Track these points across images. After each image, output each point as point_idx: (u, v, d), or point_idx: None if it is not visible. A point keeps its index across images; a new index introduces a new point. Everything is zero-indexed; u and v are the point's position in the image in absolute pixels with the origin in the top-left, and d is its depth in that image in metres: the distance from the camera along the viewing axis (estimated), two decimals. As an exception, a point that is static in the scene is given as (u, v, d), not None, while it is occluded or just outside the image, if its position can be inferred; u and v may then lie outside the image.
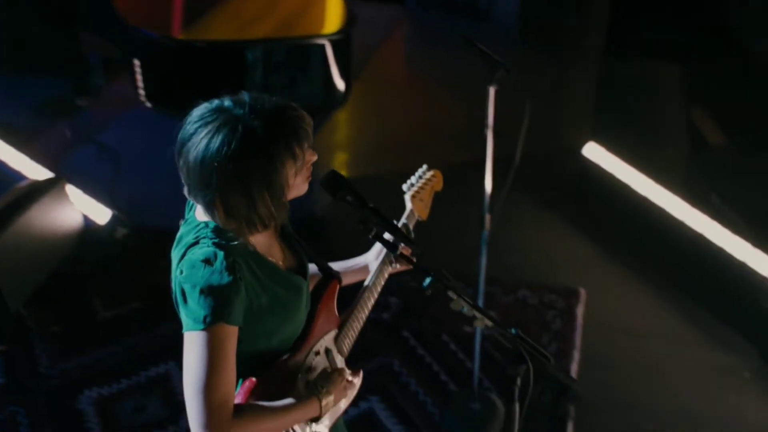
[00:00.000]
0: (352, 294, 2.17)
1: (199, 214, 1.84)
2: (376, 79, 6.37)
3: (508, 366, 2.14)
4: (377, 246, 2.18)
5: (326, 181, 1.93)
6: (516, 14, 7.21)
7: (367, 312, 2.14)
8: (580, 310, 4.28)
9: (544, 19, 7.02)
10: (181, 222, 1.93)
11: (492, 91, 3.11)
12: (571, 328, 4.18)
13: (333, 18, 4.60)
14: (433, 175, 2.36)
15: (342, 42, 4.32)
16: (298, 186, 1.80)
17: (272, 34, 4.54)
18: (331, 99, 4.42)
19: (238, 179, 1.69)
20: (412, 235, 2.20)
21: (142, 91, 4.40)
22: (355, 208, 1.95)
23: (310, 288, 2.03)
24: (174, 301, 1.79)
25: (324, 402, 1.91)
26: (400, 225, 2.16)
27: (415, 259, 2.05)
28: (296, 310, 1.92)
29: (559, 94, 6.38)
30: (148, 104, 4.46)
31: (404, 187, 2.31)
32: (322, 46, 4.28)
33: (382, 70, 6.69)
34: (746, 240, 4.28)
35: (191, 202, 1.89)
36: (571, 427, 3.62)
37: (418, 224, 2.30)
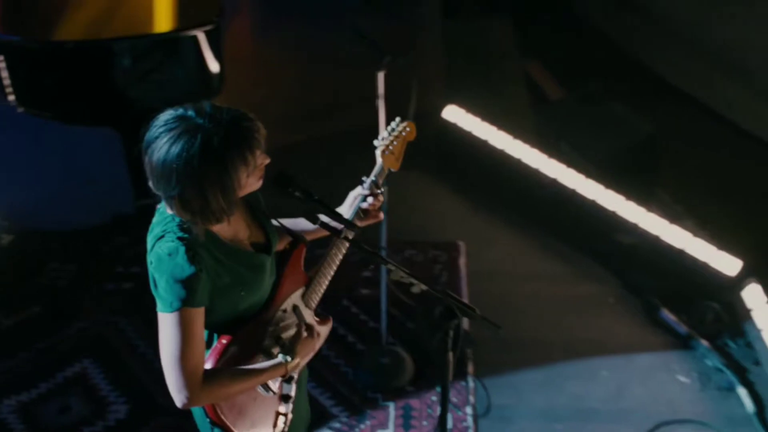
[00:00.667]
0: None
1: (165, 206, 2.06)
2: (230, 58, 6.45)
3: (442, 320, 2.48)
4: (349, 198, 2.43)
5: (276, 180, 2.18)
6: (358, -18, 7.36)
7: (334, 267, 2.39)
8: (462, 261, 4.72)
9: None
10: (157, 207, 2.12)
11: (381, 75, 3.41)
12: (456, 278, 4.61)
13: (193, 8, 4.67)
14: (405, 127, 2.57)
15: (214, 32, 4.43)
16: (251, 185, 2.04)
17: (133, 29, 4.58)
18: (209, 88, 4.52)
19: (194, 181, 1.91)
20: (382, 189, 2.43)
21: (11, 96, 4.33)
22: (303, 202, 2.22)
23: (284, 247, 2.31)
24: (150, 282, 2.04)
25: (290, 367, 2.19)
26: (369, 181, 2.40)
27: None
28: (259, 283, 2.17)
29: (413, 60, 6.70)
30: (21, 109, 4.39)
31: (375, 142, 2.50)
32: (195, 38, 4.38)
33: (236, 48, 6.76)
34: (596, 181, 4.82)
35: None
36: (470, 367, 4.05)
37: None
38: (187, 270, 1.95)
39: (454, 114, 5.48)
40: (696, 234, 4.38)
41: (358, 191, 2.40)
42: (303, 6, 5.87)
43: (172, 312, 1.98)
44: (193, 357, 2.00)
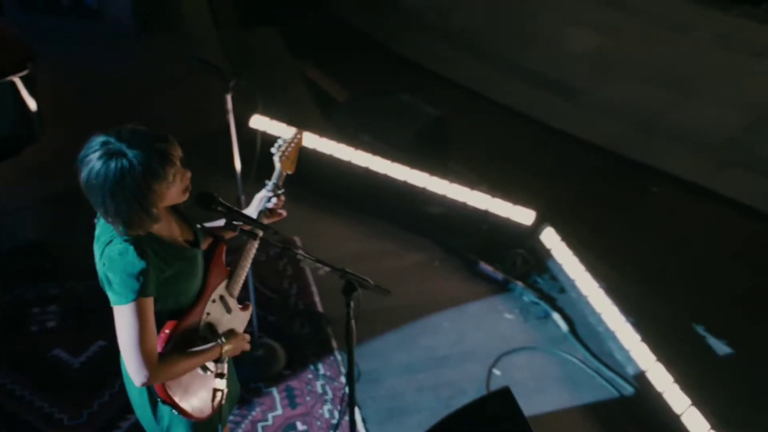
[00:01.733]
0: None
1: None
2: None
3: (343, 294, 2.97)
4: (255, 201, 2.88)
5: (197, 200, 2.60)
6: (130, 9, 7.53)
7: (250, 260, 2.83)
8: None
9: (161, 8, 7.48)
10: (95, 221, 2.50)
11: (229, 98, 3.81)
12: (300, 269, 5.10)
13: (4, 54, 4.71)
14: (296, 134, 3.02)
15: (29, 77, 4.55)
16: (174, 196, 2.44)
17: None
18: (30, 131, 4.64)
19: (114, 196, 2.30)
20: (282, 190, 2.90)
21: None
22: (226, 215, 2.66)
23: (207, 246, 2.74)
24: (101, 284, 2.43)
25: (224, 349, 2.63)
26: (271, 184, 2.88)
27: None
28: (194, 274, 2.59)
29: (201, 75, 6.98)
30: None
31: (272, 149, 2.94)
32: (12, 83, 4.47)
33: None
34: (401, 164, 5.48)
35: None
36: (334, 343, 4.57)
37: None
38: (138, 265, 2.34)
39: (260, 122, 5.89)
40: (493, 195, 5.17)
41: (263, 194, 2.88)
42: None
43: (128, 303, 2.36)
44: (149, 341, 2.40)
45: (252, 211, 2.88)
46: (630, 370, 4.27)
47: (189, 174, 2.47)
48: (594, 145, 7.02)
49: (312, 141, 5.74)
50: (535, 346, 4.53)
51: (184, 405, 2.61)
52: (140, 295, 2.36)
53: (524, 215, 5.03)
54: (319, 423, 4.12)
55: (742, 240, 5.64)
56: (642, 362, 4.16)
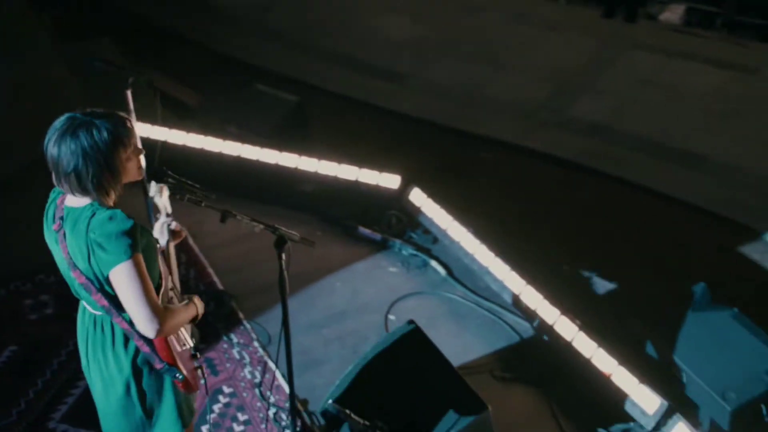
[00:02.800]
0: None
1: (70, 201, 2.75)
2: None
3: (275, 247, 3.42)
4: (157, 228, 3.25)
5: (153, 174, 2.99)
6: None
7: (175, 259, 3.29)
8: (191, 242, 5.53)
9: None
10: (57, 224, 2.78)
11: (129, 93, 4.12)
12: (194, 254, 5.43)
13: None
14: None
15: None
16: (131, 171, 2.80)
17: None
18: None
19: (87, 159, 2.64)
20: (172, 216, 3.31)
21: None
22: (176, 186, 3.07)
23: None
24: (87, 258, 2.68)
25: (198, 307, 3.06)
26: (163, 213, 3.25)
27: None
28: (156, 257, 2.91)
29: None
30: None
31: (151, 193, 3.18)
32: None
33: None
34: (271, 148, 5.90)
35: (54, 198, 2.83)
36: (241, 314, 4.95)
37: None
38: (128, 223, 2.68)
39: (143, 130, 6.10)
40: (361, 167, 5.72)
41: (162, 221, 3.24)
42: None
43: (127, 260, 2.64)
44: (151, 292, 2.71)
45: (157, 234, 3.26)
46: (506, 297, 4.97)
47: (143, 151, 2.84)
48: (428, 121, 7.75)
49: (180, 137, 6.03)
50: (421, 291, 5.14)
51: (185, 372, 2.96)
52: (135, 250, 2.66)
53: (391, 180, 5.62)
54: (242, 384, 4.51)
55: (559, 186, 6.53)
56: (515, 287, 4.86)
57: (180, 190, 3.12)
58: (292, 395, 3.84)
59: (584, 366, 4.33)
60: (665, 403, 4.06)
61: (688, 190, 6.63)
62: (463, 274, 5.26)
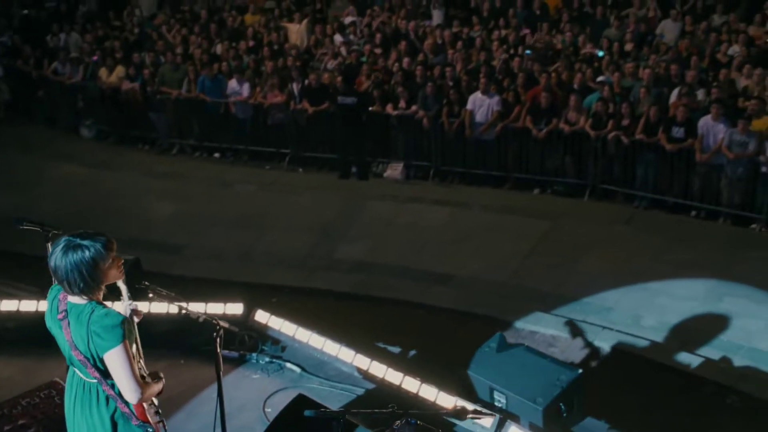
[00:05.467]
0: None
1: (72, 299, 3.76)
2: None
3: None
4: (123, 308, 4.09)
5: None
6: None
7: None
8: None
9: None
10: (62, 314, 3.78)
11: (49, 245, 5.00)
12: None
13: None
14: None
15: None
16: (113, 276, 3.85)
17: None
18: None
19: (77, 270, 3.67)
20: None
21: None
22: (149, 286, 4.13)
23: None
24: (86, 343, 3.67)
25: (163, 383, 4.04)
26: (127, 298, 4.11)
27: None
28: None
29: None
30: None
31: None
32: None
33: None
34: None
35: (56, 294, 3.83)
36: None
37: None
38: (120, 317, 3.73)
39: None
40: (206, 301, 6.77)
41: (127, 304, 4.13)
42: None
43: (119, 345, 3.65)
44: (135, 369, 3.74)
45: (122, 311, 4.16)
46: (356, 374, 6.26)
47: (122, 261, 3.89)
48: (206, 279, 8.90)
49: None
50: (285, 387, 6.25)
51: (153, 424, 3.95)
52: (124, 338, 3.67)
53: (235, 308, 6.74)
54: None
55: (341, 313, 7.94)
56: (361, 364, 6.19)
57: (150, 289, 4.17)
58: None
59: (430, 407, 5.70)
60: (497, 416, 5.56)
61: (444, 300, 8.48)
62: (315, 367, 6.47)
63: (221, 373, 4.56)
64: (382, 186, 11.45)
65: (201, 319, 4.53)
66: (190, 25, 14.96)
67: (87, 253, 3.66)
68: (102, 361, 3.71)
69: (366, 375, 6.20)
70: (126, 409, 3.85)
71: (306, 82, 11.95)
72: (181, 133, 13.06)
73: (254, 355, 6.59)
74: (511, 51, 12.34)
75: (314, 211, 10.74)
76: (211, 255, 9.78)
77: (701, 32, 11.84)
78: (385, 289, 8.74)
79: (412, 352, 6.94)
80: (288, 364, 6.50)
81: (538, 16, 13.55)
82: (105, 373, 3.75)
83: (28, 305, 6.87)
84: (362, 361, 6.22)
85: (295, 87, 11.92)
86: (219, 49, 13.68)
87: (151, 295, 4.27)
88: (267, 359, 6.56)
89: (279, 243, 9.92)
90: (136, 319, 4.15)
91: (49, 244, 5.04)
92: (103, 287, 3.78)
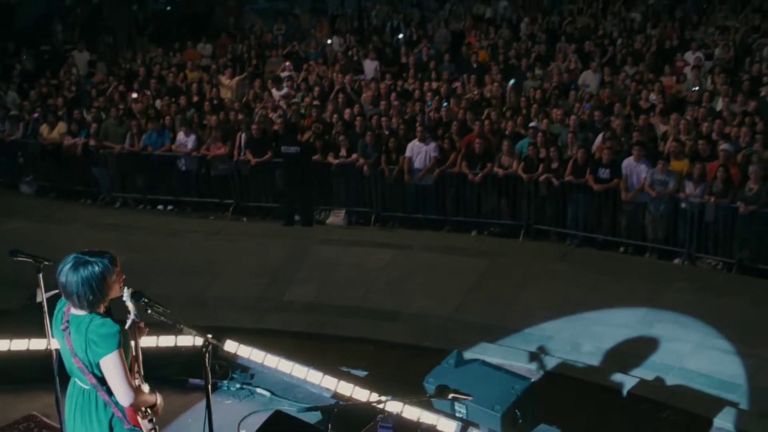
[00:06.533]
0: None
1: (75, 311, 4.10)
2: None
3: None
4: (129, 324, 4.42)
5: (132, 294, 4.37)
6: None
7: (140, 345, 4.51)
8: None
9: None
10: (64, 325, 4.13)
11: (40, 276, 5.29)
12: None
13: None
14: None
15: None
16: (116, 291, 4.22)
17: None
18: None
19: (86, 285, 4.04)
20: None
21: None
22: (148, 303, 4.48)
23: None
24: (84, 350, 4.01)
25: (158, 400, 4.39)
26: (134, 314, 4.43)
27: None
28: (130, 346, 4.28)
29: None
30: None
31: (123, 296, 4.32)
32: None
33: None
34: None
35: (61, 307, 4.18)
36: None
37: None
38: (115, 327, 4.07)
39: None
40: (177, 335, 7.04)
41: (132, 318, 4.46)
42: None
43: (114, 351, 3.99)
44: (128, 374, 4.06)
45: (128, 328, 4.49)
46: (325, 394, 6.62)
47: (123, 276, 4.25)
48: (158, 324, 8.92)
49: None
50: (256, 410, 6.56)
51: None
52: (120, 345, 4.02)
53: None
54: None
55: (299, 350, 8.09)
56: (329, 385, 6.56)
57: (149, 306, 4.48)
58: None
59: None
60: (459, 423, 6.00)
61: (394, 335, 8.88)
62: (285, 391, 6.80)
63: (210, 386, 4.83)
64: (325, 232, 11.87)
65: (194, 335, 4.83)
66: (127, 82, 15.31)
67: (96, 268, 4.02)
68: (99, 367, 4.02)
69: (336, 395, 6.57)
70: (119, 414, 4.15)
71: (250, 134, 12.40)
72: (124, 187, 13.29)
73: (225, 382, 6.88)
74: (443, 102, 13.09)
75: (262, 256, 11.04)
76: (162, 301, 9.96)
77: (620, 82, 12.86)
78: (337, 327, 9.10)
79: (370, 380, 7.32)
80: (258, 389, 6.82)
81: (466, 68, 14.42)
82: (101, 380, 4.06)
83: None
84: (330, 382, 6.58)
85: (243, 138, 12.35)
86: (158, 104, 14.05)
87: (148, 311, 4.55)
88: (237, 386, 6.86)
89: (230, 288, 10.16)
90: (139, 334, 4.48)
91: (41, 275, 5.33)
92: (107, 302, 4.11)
